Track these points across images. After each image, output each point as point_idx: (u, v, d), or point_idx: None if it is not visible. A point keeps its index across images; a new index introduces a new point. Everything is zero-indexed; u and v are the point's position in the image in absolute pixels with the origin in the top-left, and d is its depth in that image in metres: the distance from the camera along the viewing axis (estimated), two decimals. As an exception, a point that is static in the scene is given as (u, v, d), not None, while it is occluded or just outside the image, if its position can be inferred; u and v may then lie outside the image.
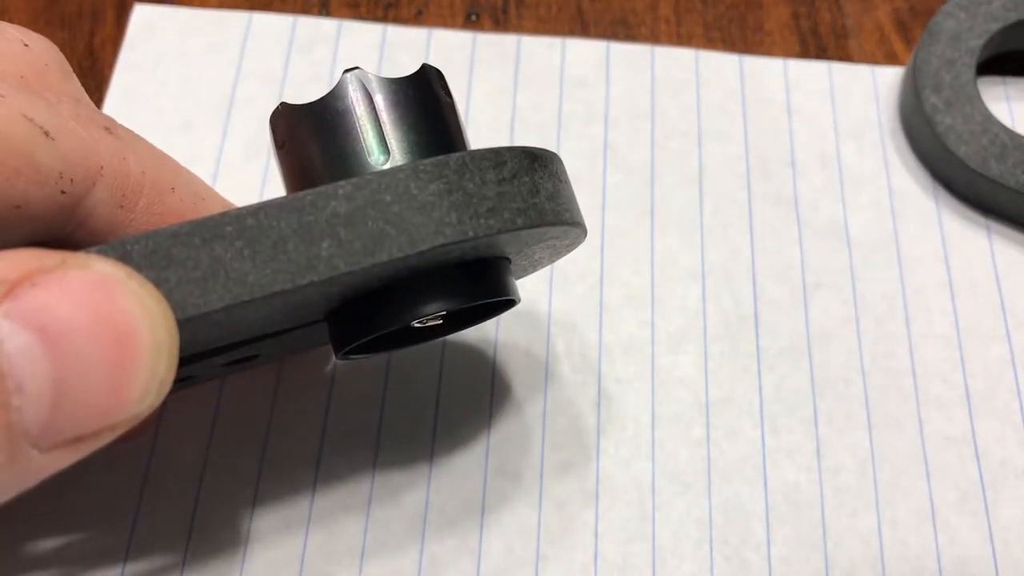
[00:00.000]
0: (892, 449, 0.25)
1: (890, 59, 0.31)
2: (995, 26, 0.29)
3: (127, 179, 0.17)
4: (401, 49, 0.30)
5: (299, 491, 0.24)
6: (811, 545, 0.24)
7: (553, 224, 0.17)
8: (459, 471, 0.24)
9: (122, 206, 0.17)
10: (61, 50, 0.19)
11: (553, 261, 0.21)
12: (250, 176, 0.28)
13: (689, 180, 0.28)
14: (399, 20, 0.31)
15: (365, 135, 0.17)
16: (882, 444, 0.25)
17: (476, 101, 0.29)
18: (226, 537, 0.23)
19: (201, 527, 0.23)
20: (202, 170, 0.28)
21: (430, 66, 0.18)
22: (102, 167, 0.17)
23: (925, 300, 0.27)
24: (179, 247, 0.14)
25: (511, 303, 0.19)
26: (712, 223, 0.28)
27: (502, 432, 0.25)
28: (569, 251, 0.20)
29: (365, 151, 0.17)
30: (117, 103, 0.29)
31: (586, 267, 0.27)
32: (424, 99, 0.18)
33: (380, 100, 0.17)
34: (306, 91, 0.29)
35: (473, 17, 0.31)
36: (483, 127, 0.29)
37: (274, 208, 0.15)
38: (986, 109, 0.28)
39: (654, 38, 0.31)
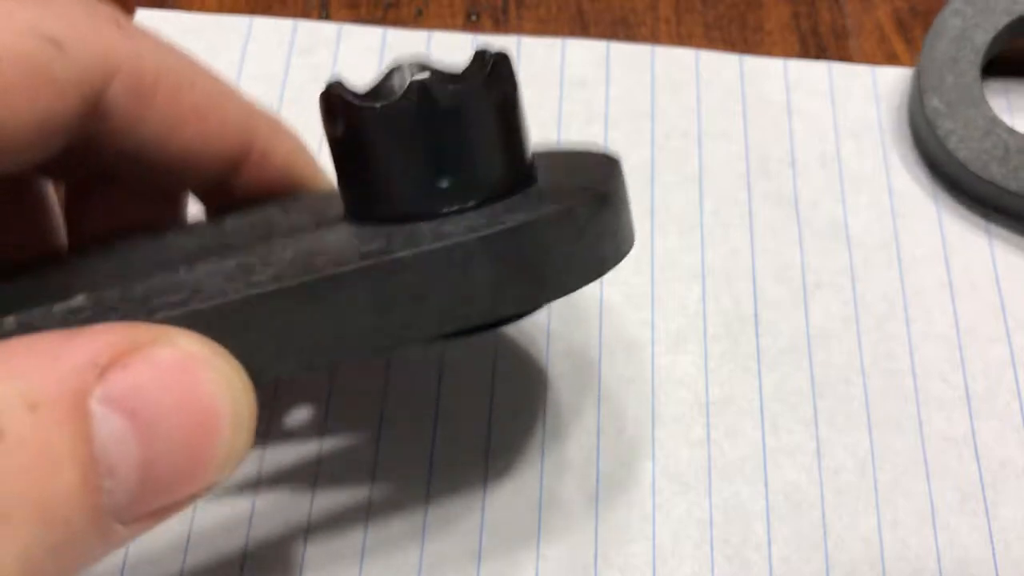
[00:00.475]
0: (892, 449, 0.25)
1: (890, 59, 0.31)
2: (1003, 19, 0.29)
3: (143, 73, 0.17)
4: (401, 51, 0.30)
5: (299, 492, 0.24)
6: (812, 545, 0.24)
7: (612, 268, 0.17)
8: (459, 472, 0.24)
9: (141, 101, 0.17)
10: None
11: None
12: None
13: (689, 180, 0.29)
14: (399, 20, 0.31)
15: (429, 153, 0.16)
16: (882, 444, 0.25)
17: (476, 102, 0.29)
18: (227, 538, 0.23)
19: (201, 529, 0.23)
20: (203, 173, 0.28)
21: (501, 57, 0.17)
22: (117, 65, 0.17)
23: (925, 300, 0.27)
24: (254, 315, 0.15)
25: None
26: (712, 223, 0.28)
27: (502, 432, 0.25)
28: None
29: (429, 171, 0.17)
30: (119, 106, 0.29)
31: (586, 268, 0.27)
32: (491, 107, 0.17)
33: (447, 112, 0.16)
34: (307, 94, 0.29)
35: (473, 18, 0.32)
36: (483, 128, 0.29)
37: (347, 276, 0.15)
38: (990, 110, 0.28)
39: (654, 38, 0.31)
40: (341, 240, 0.17)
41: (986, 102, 0.28)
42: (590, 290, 0.27)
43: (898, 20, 0.32)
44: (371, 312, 0.15)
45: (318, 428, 0.25)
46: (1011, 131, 0.27)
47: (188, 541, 0.23)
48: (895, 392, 0.26)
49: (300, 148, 0.21)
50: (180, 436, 0.13)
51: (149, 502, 0.13)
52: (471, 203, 0.17)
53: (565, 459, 0.24)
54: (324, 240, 0.17)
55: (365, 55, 0.30)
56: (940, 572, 0.23)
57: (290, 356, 0.15)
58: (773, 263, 0.27)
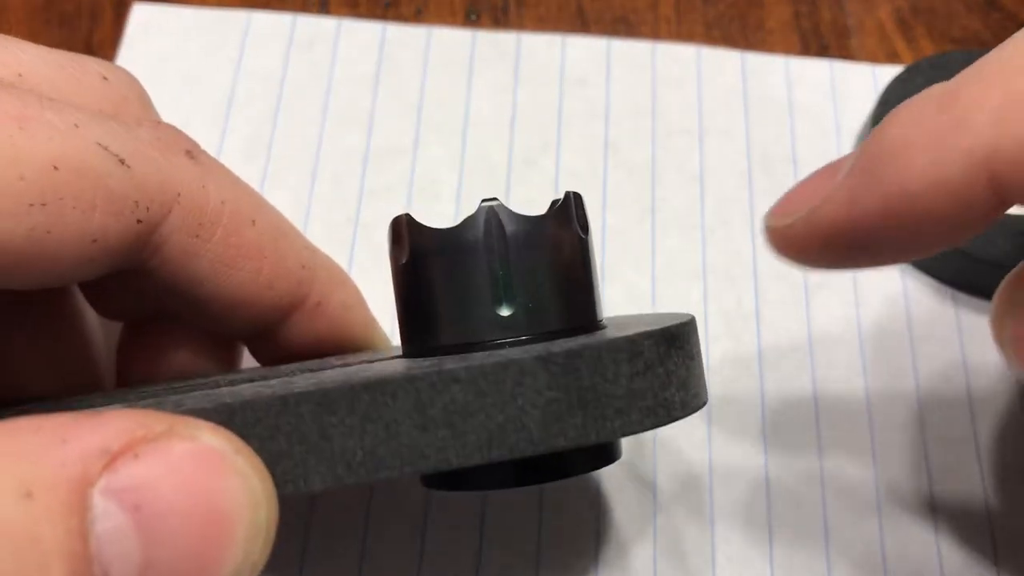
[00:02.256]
0: (893, 449, 0.25)
1: (891, 58, 0.31)
2: None
3: (205, 207, 0.17)
4: (401, 47, 0.30)
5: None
6: (812, 545, 0.23)
7: (680, 418, 0.16)
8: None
9: (198, 235, 0.17)
10: (58, 49, 0.19)
11: None
12: (249, 176, 0.28)
13: (690, 178, 0.28)
14: (399, 19, 0.31)
15: (494, 280, 0.16)
16: (883, 444, 0.25)
17: (476, 99, 0.29)
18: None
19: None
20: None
21: (573, 196, 0.17)
22: (179, 194, 0.16)
23: (927, 299, 0.27)
24: (286, 417, 0.14)
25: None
26: (713, 221, 0.28)
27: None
28: None
29: (491, 298, 0.16)
30: (116, 102, 0.29)
31: (587, 266, 0.27)
32: (561, 243, 0.17)
33: (514, 240, 0.16)
34: (306, 90, 0.29)
35: (473, 17, 0.31)
36: (483, 126, 0.29)
37: (392, 386, 0.14)
38: None
39: (655, 37, 0.31)
40: (394, 365, 0.16)
41: None
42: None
43: (899, 19, 0.32)
44: (412, 428, 0.14)
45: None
46: None
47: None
48: (897, 392, 0.25)
49: (359, 302, 0.20)
50: (187, 541, 0.12)
51: None
52: (531, 336, 0.16)
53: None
54: (375, 367, 0.16)
55: (364, 51, 0.30)
56: (941, 572, 0.23)
57: (319, 468, 0.14)
58: (775, 262, 0.27)
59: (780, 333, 0.26)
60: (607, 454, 0.18)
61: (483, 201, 0.16)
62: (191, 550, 0.12)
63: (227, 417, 0.13)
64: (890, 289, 0.27)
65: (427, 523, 0.23)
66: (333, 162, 0.28)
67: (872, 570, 0.23)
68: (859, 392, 0.25)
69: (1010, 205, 0.15)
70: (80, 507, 0.11)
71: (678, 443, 0.25)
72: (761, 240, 0.28)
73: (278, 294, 0.18)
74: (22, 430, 0.11)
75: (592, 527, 0.23)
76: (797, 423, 0.25)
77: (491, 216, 0.16)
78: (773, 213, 0.18)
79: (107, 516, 0.11)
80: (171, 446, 0.12)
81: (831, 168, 0.17)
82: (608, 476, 0.24)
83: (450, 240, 0.16)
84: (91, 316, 0.20)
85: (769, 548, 0.23)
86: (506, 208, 0.16)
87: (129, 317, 0.20)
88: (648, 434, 0.25)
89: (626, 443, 0.24)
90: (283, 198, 0.28)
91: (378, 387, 0.14)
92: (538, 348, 0.15)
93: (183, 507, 0.12)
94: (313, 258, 0.19)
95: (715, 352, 0.26)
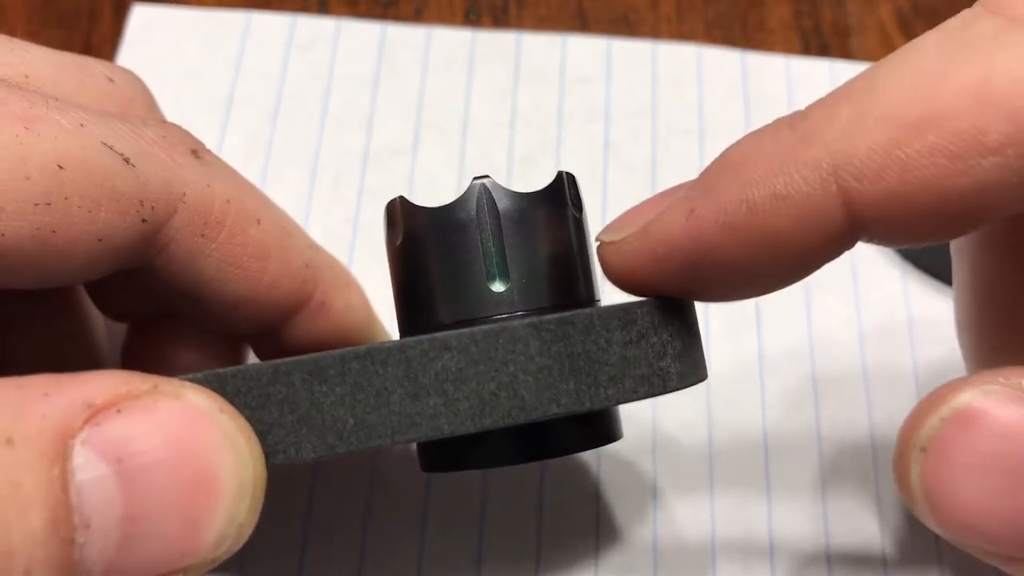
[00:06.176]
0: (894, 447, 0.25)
1: (892, 57, 0.31)
2: None
3: (211, 207, 0.17)
4: (400, 47, 0.30)
5: (296, 494, 0.24)
6: (814, 547, 0.23)
7: (676, 390, 0.16)
8: (459, 473, 0.24)
9: (204, 235, 0.17)
10: (62, 50, 0.19)
11: None
12: (248, 176, 0.28)
13: (691, 178, 0.28)
14: (398, 18, 0.31)
15: (487, 256, 0.16)
16: (884, 445, 0.25)
17: (476, 99, 0.29)
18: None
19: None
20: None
21: (565, 175, 0.17)
22: (184, 193, 0.16)
23: (928, 300, 0.27)
24: (277, 386, 0.14)
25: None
26: (713, 222, 0.28)
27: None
28: None
29: (484, 274, 0.16)
30: (115, 102, 0.29)
31: (587, 266, 0.27)
32: (554, 219, 0.17)
33: (507, 216, 0.16)
34: (306, 90, 0.29)
35: (472, 16, 0.31)
36: (483, 125, 0.29)
37: (382, 354, 0.14)
38: None
39: (655, 36, 0.31)
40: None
41: None
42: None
43: (900, 18, 0.32)
44: (403, 396, 0.14)
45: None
46: None
47: None
48: (898, 393, 0.25)
49: (362, 303, 0.20)
50: (172, 497, 0.12)
51: (131, 569, 0.12)
52: (526, 311, 0.16)
53: (565, 460, 0.24)
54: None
55: (364, 51, 0.30)
56: (942, 573, 0.23)
57: (311, 437, 0.14)
58: (775, 262, 0.27)
59: (780, 334, 0.26)
60: (607, 431, 0.17)
61: (475, 179, 0.16)
62: (176, 506, 0.12)
63: (218, 385, 0.14)
64: (890, 289, 0.27)
65: (427, 523, 0.23)
66: (333, 162, 0.28)
67: (873, 572, 0.23)
68: (860, 392, 0.25)
69: (861, 233, 0.14)
70: (61, 457, 0.11)
71: (678, 443, 0.25)
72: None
73: (283, 293, 0.18)
74: (4, 386, 0.12)
75: (592, 527, 0.23)
76: (798, 423, 0.25)
77: (483, 193, 0.16)
78: (607, 228, 0.16)
79: (88, 467, 0.11)
80: (155, 402, 0.12)
81: (670, 189, 0.16)
82: (608, 476, 0.24)
83: (443, 218, 0.16)
84: (96, 317, 0.20)
85: (770, 549, 0.23)
86: (498, 185, 0.16)
87: (134, 318, 0.20)
88: (648, 434, 0.25)
89: (626, 444, 0.24)
90: (283, 199, 0.27)
91: (368, 356, 0.14)
92: (531, 317, 0.15)
93: (167, 462, 0.12)
94: (317, 257, 0.19)
95: (715, 353, 0.26)
